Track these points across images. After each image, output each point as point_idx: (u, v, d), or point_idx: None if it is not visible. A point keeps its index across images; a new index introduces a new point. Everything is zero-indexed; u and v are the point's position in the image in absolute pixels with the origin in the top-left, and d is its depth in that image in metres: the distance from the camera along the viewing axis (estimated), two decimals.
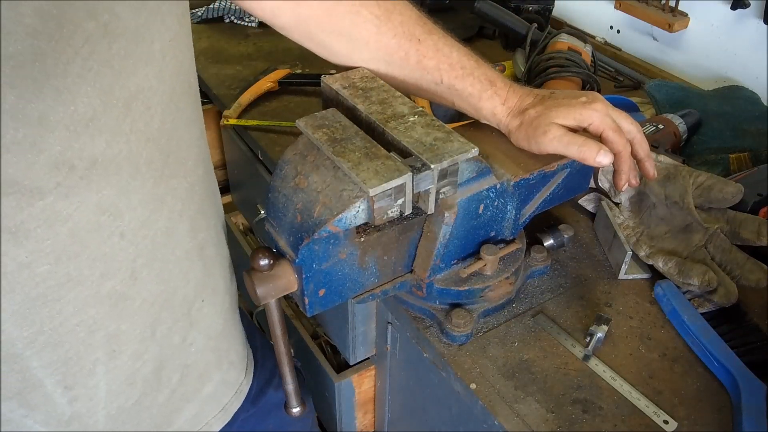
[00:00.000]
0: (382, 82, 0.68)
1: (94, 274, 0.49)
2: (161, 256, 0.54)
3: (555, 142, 0.66)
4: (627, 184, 0.70)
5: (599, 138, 0.68)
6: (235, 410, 0.71)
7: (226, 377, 0.68)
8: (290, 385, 0.69)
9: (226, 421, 0.70)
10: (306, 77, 1.13)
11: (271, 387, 0.77)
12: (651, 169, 0.72)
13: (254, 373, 0.75)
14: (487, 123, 0.73)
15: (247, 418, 0.73)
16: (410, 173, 0.56)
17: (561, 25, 1.30)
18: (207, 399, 0.67)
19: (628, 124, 0.69)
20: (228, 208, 1.40)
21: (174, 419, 0.64)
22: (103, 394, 0.55)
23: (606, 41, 1.32)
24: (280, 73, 1.12)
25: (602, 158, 0.65)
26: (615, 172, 0.70)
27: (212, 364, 0.66)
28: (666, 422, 0.63)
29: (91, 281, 0.49)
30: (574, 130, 0.68)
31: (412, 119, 0.62)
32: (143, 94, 0.47)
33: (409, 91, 0.71)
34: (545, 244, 0.79)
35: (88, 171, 0.45)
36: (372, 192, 0.54)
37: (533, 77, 0.99)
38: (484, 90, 0.69)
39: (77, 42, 0.41)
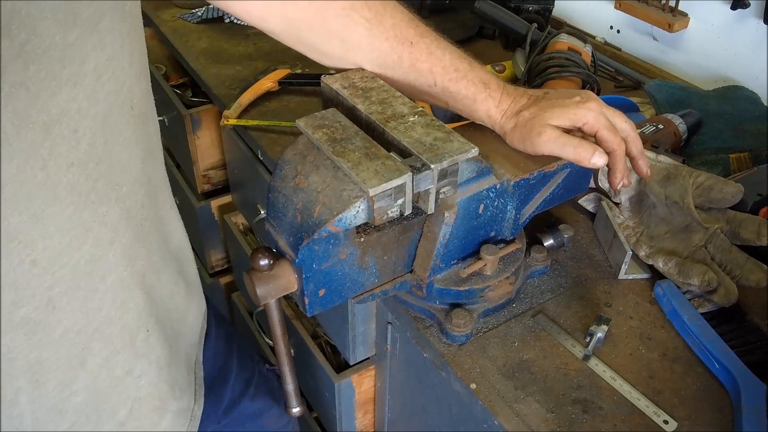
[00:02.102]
0: (382, 82, 0.68)
1: (5, 301, 0.46)
2: (85, 285, 0.51)
3: (550, 143, 0.66)
4: (622, 184, 0.70)
5: (594, 137, 0.68)
6: None
7: (179, 406, 0.66)
8: (290, 385, 0.69)
9: None
10: (306, 77, 1.13)
11: (246, 397, 0.74)
12: (645, 167, 0.72)
13: (229, 384, 0.72)
14: (483, 124, 0.73)
15: (219, 429, 0.71)
16: (410, 173, 0.56)
17: (561, 25, 1.30)
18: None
19: (622, 122, 0.69)
20: (228, 208, 1.40)
21: None
22: (29, 421, 0.53)
23: (606, 41, 1.32)
24: (280, 73, 1.12)
25: (597, 159, 0.65)
26: (609, 171, 0.70)
27: (167, 394, 0.63)
28: (666, 422, 0.63)
29: (2, 308, 0.47)
30: (568, 131, 0.68)
31: (412, 119, 0.62)
32: (68, 117, 0.44)
33: (403, 93, 0.71)
34: (545, 244, 0.79)
35: None
36: (372, 192, 0.54)
37: (533, 77, 0.99)
38: (478, 93, 0.69)
39: None
